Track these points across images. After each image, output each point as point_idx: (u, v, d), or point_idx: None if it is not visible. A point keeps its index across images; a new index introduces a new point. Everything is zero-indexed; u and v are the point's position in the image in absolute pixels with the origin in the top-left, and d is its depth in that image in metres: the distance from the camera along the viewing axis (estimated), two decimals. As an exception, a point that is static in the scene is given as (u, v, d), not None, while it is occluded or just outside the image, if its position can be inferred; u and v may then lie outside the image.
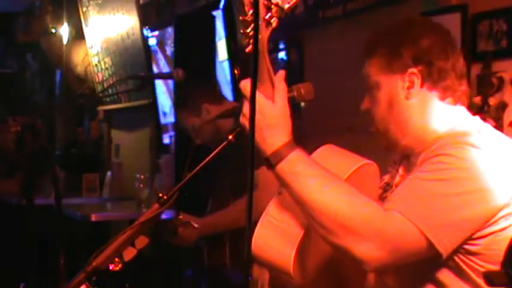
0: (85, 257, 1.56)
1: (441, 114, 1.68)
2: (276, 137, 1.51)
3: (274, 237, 1.65)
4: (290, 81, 1.59)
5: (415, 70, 1.66)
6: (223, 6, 4.48)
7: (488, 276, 1.46)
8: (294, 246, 1.60)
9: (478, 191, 1.52)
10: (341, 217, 1.49)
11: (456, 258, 1.57)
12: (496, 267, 1.52)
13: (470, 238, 1.54)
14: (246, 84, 1.52)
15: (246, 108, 1.54)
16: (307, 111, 3.64)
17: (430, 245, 1.50)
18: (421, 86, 1.66)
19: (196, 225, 2.98)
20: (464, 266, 1.57)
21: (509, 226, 1.56)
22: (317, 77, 3.46)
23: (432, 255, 1.51)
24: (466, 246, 1.55)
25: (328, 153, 1.77)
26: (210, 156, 1.62)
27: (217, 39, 4.68)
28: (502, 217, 1.55)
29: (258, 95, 1.49)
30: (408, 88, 1.67)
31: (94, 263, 1.53)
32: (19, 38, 7.58)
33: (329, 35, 3.56)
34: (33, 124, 5.93)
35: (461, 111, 1.69)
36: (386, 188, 1.80)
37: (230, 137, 1.65)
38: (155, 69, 5.46)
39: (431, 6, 2.86)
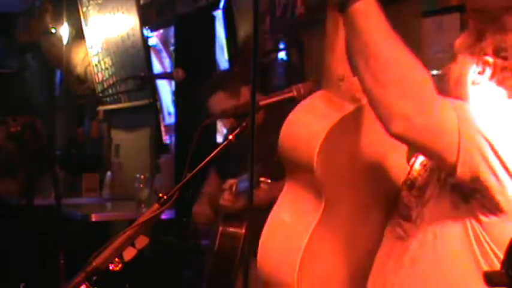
0: (85, 257, 1.56)
1: (506, 112, 1.65)
2: None
3: (279, 247, 1.66)
4: (290, 81, 1.59)
5: (490, 59, 1.66)
6: (223, 6, 4.48)
7: (488, 276, 1.46)
8: (298, 258, 1.61)
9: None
10: (399, 69, 1.49)
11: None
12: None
13: None
14: None
15: None
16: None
17: (453, 157, 1.50)
18: (491, 77, 1.66)
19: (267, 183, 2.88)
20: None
21: None
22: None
23: (447, 166, 1.52)
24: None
25: (319, 100, 1.79)
26: (210, 156, 1.62)
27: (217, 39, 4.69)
28: None
29: None
30: (479, 73, 1.66)
31: (94, 263, 1.53)
32: (19, 38, 7.57)
33: (329, 35, 3.55)
34: (33, 124, 5.93)
35: None
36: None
37: (230, 137, 1.66)
38: (160, 68, 5.45)
39: (431, 6, 2.86)
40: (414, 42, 2.88)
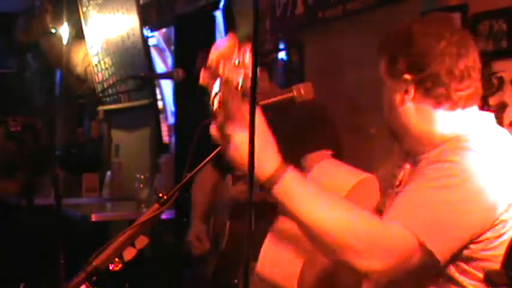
0: (85, 257, 1.56)
1: (438, 121, 1.67)
2: (265, 163, 1.48)
3: (280, 255, 1.65)
4: (290, 81, 1.59)
5: (408, 77, 1.66)
6: (223, 6, 4.48)
7: (488, 276, 1.46)
8: (299, 265, 1.61)
9: (477, 199, 1.52)
10: (340, 235, 1.48)
11: (450, 265, 1.57)
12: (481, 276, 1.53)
13: (466, 245, 1.54)
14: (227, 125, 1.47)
15: (234, 142, 1.46)
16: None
17: (429, 253, 1.50)
18: (415, 93, 1.66)
19: None
20: (456, 273, 1.58)
21: (505, 232, 1.55)
22: (317, 77, 3.46)
23: (431, 263, 1.52)
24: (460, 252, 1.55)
25: (327, 168, 1.78)
26: (210, 156, 1.62)
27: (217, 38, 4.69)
28: (500, 223, 1.55)
29: (232, 128, 1.45)
30: (404, 94, 1.68)
31: (94, 263, 1.53)
32: (19, 38, 7.57)
33: (329, 35, 3.56)
34: (33, 124, 5.93)
35: (461, 114, 1.67)
36: (399, 187, 1.79)
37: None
38: (163, 67, 5.45)
39: (431, 6, 2.86)
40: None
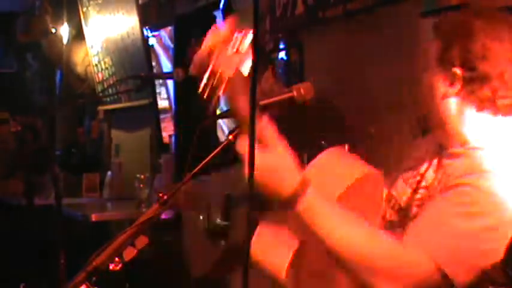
0: (85, 257, 1.56)
1: (477, 124, 1.62)
2: (286, 181, 1.50)
3: (272, 243, 1.65)
4: (290, 81, 1.59)
5: (458, 72, 1.61)
6: (223, 6, 4.48)
7: (488, 276, 1.46)
8: (290, 254, 1.61)
9: (499, 227, 1.50)
10: (361, 257, 1.51)
11: None
12: None
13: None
14: (242, 144, 1.50)
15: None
16: (307, 111, 3.64)
17: (448, 279, 1.50)
18: (460, 89, 1.62)
19: None
20: None
21: None
22: (317, 77, 3.45)
23: (449, 286, 1.52)
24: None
25: (331, 159, 1.76)
26: (210, 156, 1.62)
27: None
28: None
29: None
30: (449, 86, 1.63)
31: (94, 263, 1.53)
32: (19, 38, 7.57)
33: (329, 35, 3.56)
34: (34, 124, 5.94)
35: (501, 122, 1.62)
36: (422, 182, 1.74)
37: (230, 137, 1.65)
38: (169, 65, 5.43)
39: (432, 6, 2.86)
40: (414, 43, 2.89)
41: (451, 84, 1.63)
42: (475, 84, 1.61)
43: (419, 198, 1.68)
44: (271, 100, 1.97)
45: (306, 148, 2.34)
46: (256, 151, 1.39)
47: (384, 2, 3.14)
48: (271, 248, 1.67)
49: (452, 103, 1.64)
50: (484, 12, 1.67)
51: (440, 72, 1.64)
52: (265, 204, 2.21)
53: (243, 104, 1.51)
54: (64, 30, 6.73)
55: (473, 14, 1.66)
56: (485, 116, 1.63)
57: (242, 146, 1.50)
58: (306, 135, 2.48)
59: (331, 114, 2.78)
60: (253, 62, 1.20)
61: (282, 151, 1.51)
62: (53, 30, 6.85)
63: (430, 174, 1.71)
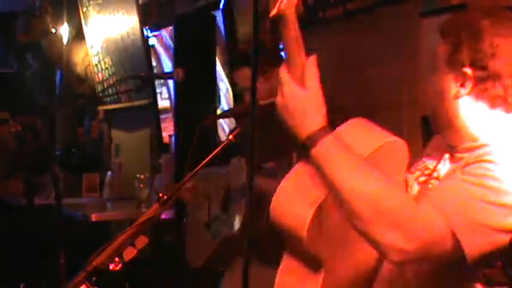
0: (85, 257, 1.56)
1: (490, 122, 1.63)
2: (309, 121, 1.49)
3: (294, 198, 1.64)
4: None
5: (469, 71, 1.61)
6: (223, 6, 4.48)
7: (488, 276, 1.46)
8: (312, 209, 1.59)
9: None
10: (371, 203, 1.46)
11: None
12: None
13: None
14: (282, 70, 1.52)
15: (283, 92, 1.51)
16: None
17: (458, 245, 1.46)
18: (472, 88, 1.62)
19: None
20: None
21: None
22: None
23: (458, 257, 1.48)
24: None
25: (356, 128, 1.75)
26: (210, 156, 1.62)
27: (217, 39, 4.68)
28: None
29: (286, 78, 1.50)
30: (460, 86, 1.62)
31: (94, 263, 1.53)
32: (19, 38, 7.57)
33: (329, 35, 3.56)
34: (34, 124, 5.93)
35: (510, 119, 1.63)
36: (425, 170, 1.74)
37: (230, 137, 1.66)
38: (169, 65, 5.42)
39: (432, 6, 2.86)
40: (414, 43, 2.89)
41: (462, 84, 1.63)
42: (487, 83, 1.61)
43: (431, 188, 1.65)
44: (271, 100, 1.98)
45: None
46: (291, 82, 1.48)
47: (384, 2, 3.14)
48: (294, 201, 1.65)
49: (464, 103, 1.64)
50: (489, 11, 1.67)
51: (450, 74, 1.64)
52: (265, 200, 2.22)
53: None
54: (64, 30, 6.73)
55: (479, 13, 1.66)
56: (498, 114, 1.63)
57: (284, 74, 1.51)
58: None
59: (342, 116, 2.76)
60: (254, 61, 1.21)
61: (316, 93, 1.51)
62: (53, 30, 6.85)
63: (445, 166, 1.70)
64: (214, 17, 4.57)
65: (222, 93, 4.57)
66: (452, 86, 1.64)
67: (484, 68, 1.60)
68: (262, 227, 2.67)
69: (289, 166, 2.36)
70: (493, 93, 1.61)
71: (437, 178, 1.69)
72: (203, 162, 1.64)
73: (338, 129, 1.68)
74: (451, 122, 1.66)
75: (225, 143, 1.65)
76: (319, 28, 3.59)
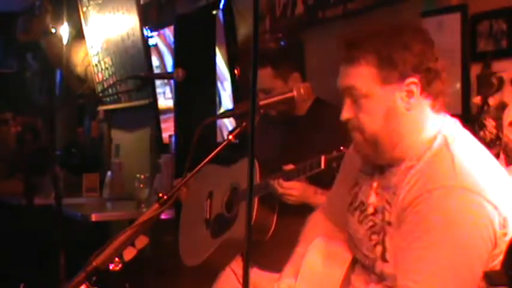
0: (85, 257, 1.56)
1: (430, 122, 1.64)
2: None
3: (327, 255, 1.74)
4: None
5: (415, 79, 1.60)
6: (223, 6, 4.48)
7: (488, 276, 1.46)
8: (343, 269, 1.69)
9: (475, 238, 1.50)
10: None
11: None
12: None
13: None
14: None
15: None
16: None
17: None
18: (421, 94, 1.61)
19: None
20: None
21: (506, 241, 1.54)
22: (317, 77, 3.45)
23: None
24: None
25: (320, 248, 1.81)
26: (210, 156, 1.62)
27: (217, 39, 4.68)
28: (500, 237, 1.53)
29: None
30: (408, 97, 1.61)
31: (94, 263, 1.53)
32: (19, 38, 7.57)
33: (329, 35, 3.56)
34: (34, 124, 5.94)
35: (443, 116, 1.67)
36: (362, 207, 1.74)
37: (230, 137, 1.66)
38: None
39: (431, 6, 2.86)
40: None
41: (410, 95, 1.61)
42: (433, 83, 1.62)
43: (400, 260, 1.62)
44: (271, 100, 1.98)
45: (324, 151, 2.34)
46: None
47: (384, 2, 3.14)
48: (319, 278, 1.71)
49: (415, 112, 1.63)
50: (390, 24, 1.69)
51: (389, 91, 1.61)
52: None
53: None
54: (64, 30, 6.74)
55: (390, 27, 1.66)
56: (435, 113, 1.65)
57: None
58: (326, 138, 2.46)
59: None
60: (254, 61, 1.21)
61: None
62: (53, 30, 6.85)
63: (377, 198, 1.69)
64: (215, 17, 4.58)
65: (225, 93, 4.57)
66: (398, 102, 1.61)
67: (426, 69, 1.60)
68: (270, 228, 2.68)
69: (312, 168, 2.35)
70: (436, 90, 1.63)
71: (373, 214, 1.69)
72: (203, 162, 1.64)
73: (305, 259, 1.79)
74: (400, 138, 1.63)
75: (225, 143, 1.65)
76: (319, 28, 3.59)
